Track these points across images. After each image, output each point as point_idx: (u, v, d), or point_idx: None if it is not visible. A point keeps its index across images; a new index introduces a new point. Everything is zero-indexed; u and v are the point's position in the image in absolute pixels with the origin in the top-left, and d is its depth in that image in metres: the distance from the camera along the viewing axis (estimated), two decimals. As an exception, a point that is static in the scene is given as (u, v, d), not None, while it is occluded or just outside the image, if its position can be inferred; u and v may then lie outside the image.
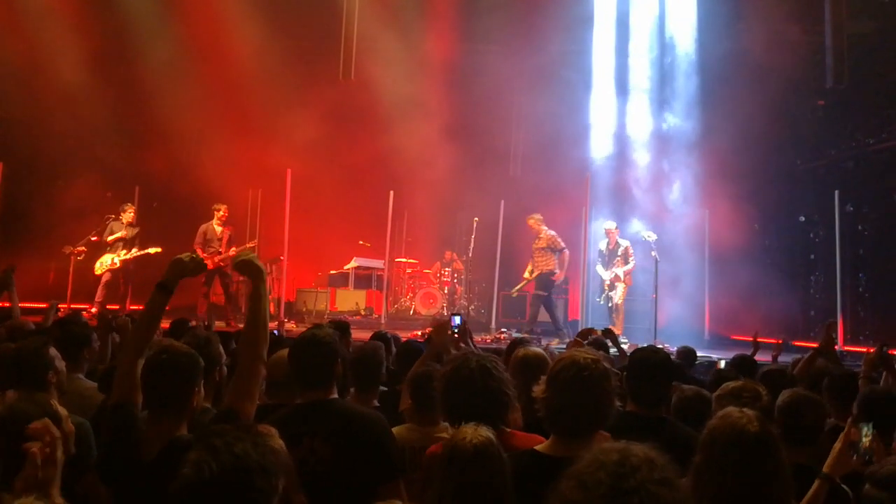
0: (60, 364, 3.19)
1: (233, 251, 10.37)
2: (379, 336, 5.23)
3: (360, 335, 7.97)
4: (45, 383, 3.04)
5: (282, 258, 10.73)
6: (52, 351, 3.18)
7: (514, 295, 11.26)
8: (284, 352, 3.44)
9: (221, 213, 10.35)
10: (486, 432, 2.16)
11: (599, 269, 10.50)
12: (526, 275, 10.49)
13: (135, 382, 2.54)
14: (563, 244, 10.21)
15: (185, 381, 2.48)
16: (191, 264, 2.70)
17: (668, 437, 2.85)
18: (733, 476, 2.06)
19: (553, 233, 10.25)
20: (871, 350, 4.69)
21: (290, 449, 2.48)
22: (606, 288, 10.34)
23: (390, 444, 2.74)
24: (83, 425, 2.86)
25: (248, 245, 10.86)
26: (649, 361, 3.08)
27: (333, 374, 2.83)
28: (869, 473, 2.16)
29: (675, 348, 6.77)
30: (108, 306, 10.24)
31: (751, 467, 2.07)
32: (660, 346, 9.23)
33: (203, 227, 10.38)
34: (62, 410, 2.15)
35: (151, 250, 10.34)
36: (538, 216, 10.36)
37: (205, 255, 10.16)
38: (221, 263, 10.25)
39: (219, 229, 10.33)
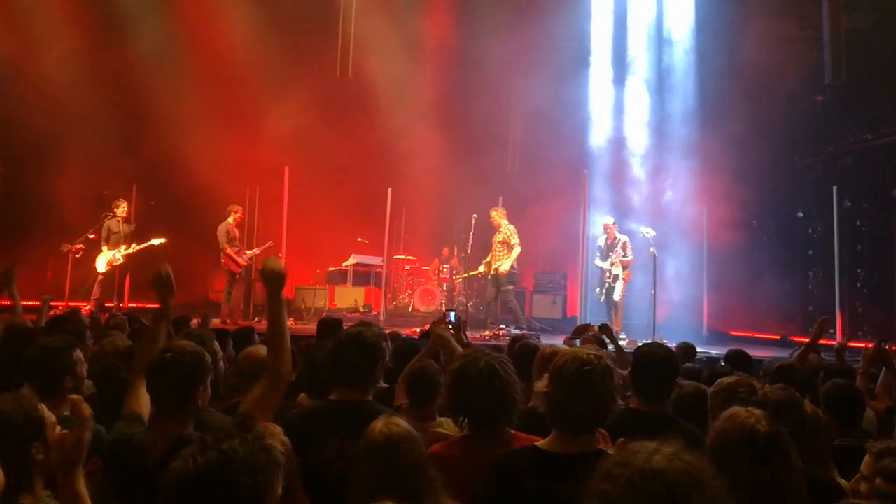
0: (82, 369, 3.08)
1: (256, 251, 10.49)
2: None
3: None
4: (60, 388, 2.91)
5: (280, 255, 10.71)
6: (77, 354, 3.05)
7: (459, 280, 11.23)
8: (254, 347, 3.52)
9: (238, 214, 10.53)
10: (399, 422, 2.23)
11: (598, 261, 10.47)
12: (482, 267, 10.42)
13: (140, 400, 2.60)
14: (517, 240, 10.11)
15: (189, 381, 2.45)
16: (165, 277, 2.81)
17: (673, 434, 2.85)
18: (747, 478, 2.02)
19: (513, 228, 10.19)
20: (870, 346, 4.72)
21: (316, 447, 2.50)
22: (606, 281, 10.30)
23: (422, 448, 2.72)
24: (100, 432, 2.81)
25: (267, 244, 10.92)
26: (654, 357, 3.08)
27: (374, 376, 2.84)
28: (881, 468, 2.15)
29: (675, 344, 6.76)
30: (105, 304, 10.26)
31: (764, 467, 2.04)
32: (658, 343, 9.29)
33: (224, 227, 10.45)
34: (49, 416, 2.12)
35: (155, 241, 10.35)
36: (502, 210, 10.31)
37: (234, 255, 10.38)
38: (249, 263, 10.55)
39: (236, 230, 10.51)
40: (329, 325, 4.99)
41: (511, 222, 10.36)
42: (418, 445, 2.23)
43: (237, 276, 10.58)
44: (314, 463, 2.56)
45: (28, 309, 5.98)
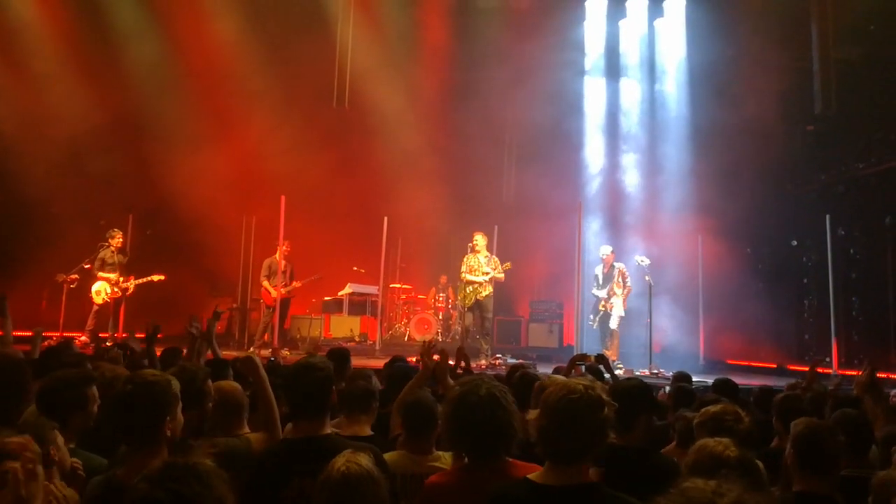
0: (94, 407, 2.98)
1: (297, 284, 10.53)
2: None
3: (354, 362, 7.92)
4: (68, 423, 2.81)
5: (319, 276, 10.93)
6: (93, 391, 2.97)
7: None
8: (226, 382, 3.43)
9: (285, 247, 10.55)
10: (361, 460, 2.20)
11: (594, 290, 10.43)
12: (481, 292, 10.20)
13: None
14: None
15: (153, 412, 2.39)
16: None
17: (646, 466, 2.85)
18: None
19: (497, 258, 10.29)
20: (861, 373, 4.72)
21: (279, 486, 2.47)
22: (601, 309, 10.24)
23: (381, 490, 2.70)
24: (102, 467, 2.79)
25: (313, 277, 10.98)
26: (625, 391, 3.04)
27: (327, 404, 2.81)
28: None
29: (671, 373, 6.76)
30: (99, 334, 10.20)
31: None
32: (655, 371, 9.28)
33: (268, 260, 10.68)
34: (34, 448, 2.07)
35: (155, 277, 10.37)
36: (485, 236, 10.29)
37: (271, 287, 10.53)
38: (289, 295, 10.66)
39: (282, 263, 10.53)
40: (335, 357, 4.90)
41: (508, 250, 10.41)
42: (378, 488, 2.19)
43: (271, 309, 10.60)
44: (279, 502, 2.54)
45: (22, 339, 5.95)
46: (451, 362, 5.31)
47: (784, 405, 3.95)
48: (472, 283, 10.11)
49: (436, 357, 4.10)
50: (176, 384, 2.51)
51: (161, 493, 1.51)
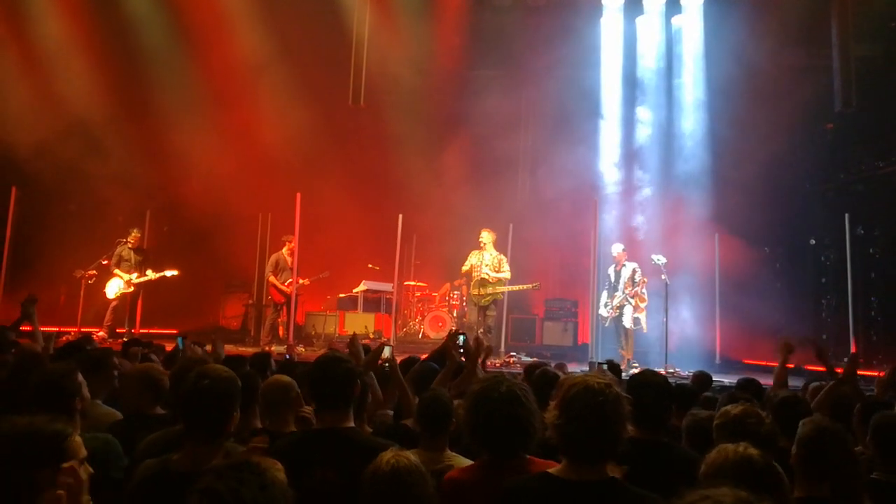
0: (86, 391, 3.13)
1: (305, 281, 10.80)
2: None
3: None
4: (72, 409, 2.95)
5: (303, 280, 10.93)
6: (80, 377, 3.11)
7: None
8: (277, 376, 3.48)
9: (291, 244, 10.71)
10: (409, 455, 2.24)
11: (603, 297, 10.37)
12: (489, 290, 10.28)
13: None
14: (507, 267, 10.21)
15: (224, 407, 2.47)
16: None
17: (668, 460, 2.84)
18: None
19: (503, 256, 10.32)
20: (883, 374, 4.66)
21: (300, 476, 2.48)
22: (615, 310, 10.17)
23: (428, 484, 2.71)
24: (109, 442, 2.90)
25: (321, 274, 11.11)
26: (648, 384, 3.04)
27: (352, 395, 2.85)
28: None
29: (688, 373, 6.72)
30: (117, 329, 10.31)
31: (765, 491, 2.01)
32: (671, 370, 9.21)
33: (274, 256, 10.94)
34: (78, 447, 2.06)
35: (168, 273, 10.48)
36: (493, 233, 10.30)
37: (280, 283, 10.79)
38: (297, 293, 10.72)
39: (289, 259, 10.69)
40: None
41: (523, 249, 10.38)
42: (425, 481, 2.22)
43: (280, 306, 10.69)
44: (300, 492, 2.56)
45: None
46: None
47: (781, 408, 3.84)
48: (486, 281, 10.14)
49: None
50: (237, 380, 2.59)
51: (223, 486, 1.54)
